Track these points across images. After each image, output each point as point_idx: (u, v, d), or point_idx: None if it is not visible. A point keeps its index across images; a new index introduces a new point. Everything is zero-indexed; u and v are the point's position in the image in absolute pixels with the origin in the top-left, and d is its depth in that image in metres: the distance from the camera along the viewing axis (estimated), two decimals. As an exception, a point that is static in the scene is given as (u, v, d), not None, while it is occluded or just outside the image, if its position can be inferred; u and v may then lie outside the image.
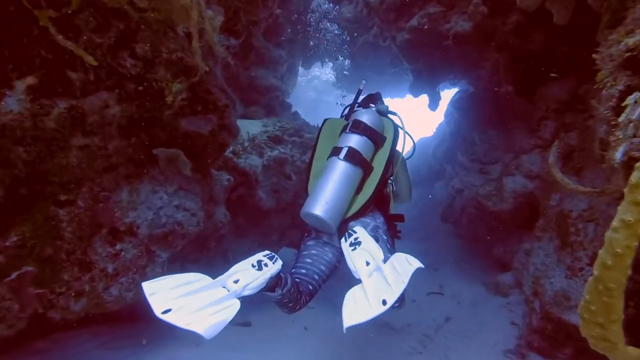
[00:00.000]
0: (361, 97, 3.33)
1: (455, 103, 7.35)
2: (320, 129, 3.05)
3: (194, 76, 3.01)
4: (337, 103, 3.52)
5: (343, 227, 2.58)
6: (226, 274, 2.05)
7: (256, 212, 6.23)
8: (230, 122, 3.98)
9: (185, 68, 2.93)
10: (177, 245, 3.63)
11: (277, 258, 2.21)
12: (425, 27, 5.61)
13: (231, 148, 6.00)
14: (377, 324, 6.63)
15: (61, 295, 2.89)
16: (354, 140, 2.66)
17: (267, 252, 2.24)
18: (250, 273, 2.03)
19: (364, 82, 3.39)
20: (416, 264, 1.87)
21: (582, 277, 4.06)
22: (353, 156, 2.58)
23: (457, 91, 7.88)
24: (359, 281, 1.98)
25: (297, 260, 2.65)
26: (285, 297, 2.23)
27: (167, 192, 3.60)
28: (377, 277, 1.94)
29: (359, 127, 2.71)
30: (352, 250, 2.17)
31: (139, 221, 3.36)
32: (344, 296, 2.03)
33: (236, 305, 1.92)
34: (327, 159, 2.68)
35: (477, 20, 5.16)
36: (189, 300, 1.86)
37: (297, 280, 2.43)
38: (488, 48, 5.55)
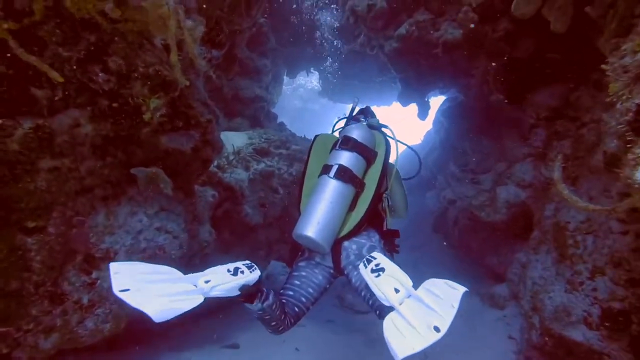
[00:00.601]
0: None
1: (444, 112, 7.25)
2: (312, 145, 2.93)
3: (173, 91, 2.80)
4: (338, 117, 3.36)
5: (337, 247, 2.52)
6: (200, 273, 2.02)
7: (242, 227, 6.00)
8: (213, 138, 3.77)
9: (163, 82, 2.71)
10: (159, 270, 3.39)
11: (255, 268, 2.17)
12: (414, 35, 5.49)
13: (216, 162, 5.78)
14: (367, 339, 6.41)
15: (29, 332, 2.63)
16: (344, 157, 2.59)
17: (247, 261, 2.21)
18: (224, 276, 2.02)
19: (356, 99, 3.25)
20: (461, 288, 1.79)
21: (582, 291, 3.92)
22: (344, 174, 2.51)
23: (445, 99, 7.80)
24: (390, 308, 1.87)
25: (287, 281, 2.59)
26: (267, 312, 2.21)
27: (147, 214, 3.37)
28: (414, 304, 1.82)
29: (348, 144, 2.64)
30: (376, 277, 2.02)
31: (117, 247, 3.12)
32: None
33: (198, 299, 1.87)
34: (318, 177, 2.61)
35: (467, 28, 5.06)
36: (152, 287, 1.82)
37: (283, 301, 2.41)
38: (478, 56, 5.45)
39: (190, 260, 4.72)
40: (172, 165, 3.58)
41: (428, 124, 9.48)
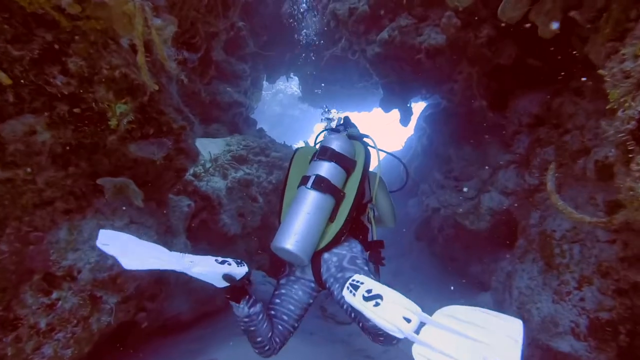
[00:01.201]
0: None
1: (427, 118, 7.16)
2: (292, 157, 2.87)
3: (142, 96, 2.58)
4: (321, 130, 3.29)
5: (317, 259, 2.44)
6: (189, 255, 2.05)
7: (220, 238, 5.77)
8: (188, 145, 3.55)
9: (131, 86, 2.49)
10: (128, 288, 3.15)
11: (244, 264, 2.16)
12: (397, 39, 5.38)
13: (192, 170, 5.54)
14: (350, 349, 6.24)
15: (-25, 364, 2.36)
16: (322, 168, 2.53)
17: (238, 259, 2.19)
18: (209, 261, 2.05)
19: (335, 111, 3.27)
20: (517, 326, 1.43)
21: (569, 301, 3.84)
22: (322, 184, 2.45)
23: (427, 105, 7.74)
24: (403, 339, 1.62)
25: (269, 302, 2.51)
26: (253, 322, 2.21)
27: (115, 228, 3.12)
28: (435, 332, 1.53)
29: (326, 154, 2.58)
30: (375, 306, 1.72)
31: (81, 264, 2.87)
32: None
33: (171, 264, 1.99)
34: (297, 188, 2.55)
35: (450, 33, 4.98)
36: (135, 249, 2.01)
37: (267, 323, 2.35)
38: (461, 61, 5.38)
39: (163, 276, 4.48)
40: (142, 175, 3.35)
41: (409, 130, 9.42)
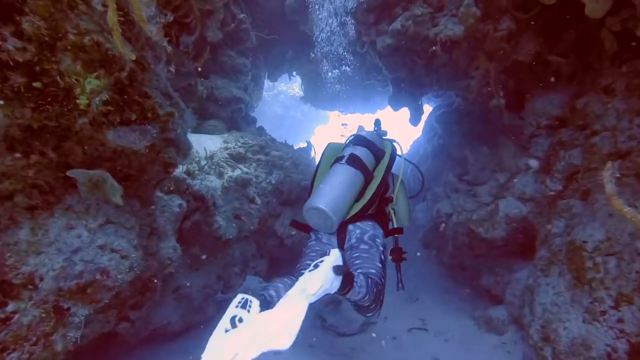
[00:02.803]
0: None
1: (439, 117, 6.73)
2: (324, 150, 3.15)
3: (118, 70, 2.15)
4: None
5: (343, 229, 2.65)
6: (292, 291, 1.89)
7: (214, 241, 5.32)
8: (177, 136, 3.12)
9: (104, 58, 2.06)
10: (102, 299, 2.70)
11: (249, 300, 1.93)
12: (410, 30, 4.97)
13: (184, 167, 5.11)
14: (353, 365, 5.80)
15: None
16: (356, 150, 2.85)
17: (238, 299, 1.95)
18: (284, 285, 2.16)
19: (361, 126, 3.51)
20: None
21: (604, 322, 3.40)
22: (354, 161, 2.74)
23: (438, 105, 7.32)
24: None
25: (302, 260, 2.64)
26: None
27: (88, 228, 2.69)
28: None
29: (360, 141, 2.93)
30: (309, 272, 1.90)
31: (44, 270, 2.43)
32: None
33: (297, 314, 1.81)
34: (330, 167, 2.82)
35: (469, 24, 4.57)
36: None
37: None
38: (477, 56, 4.97)
39: (149, 282, 4.03)
40: (123, 168, 2.91)
41: (414, 133, 8.98)
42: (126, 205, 3.00)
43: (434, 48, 4.91)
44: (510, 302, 5.37)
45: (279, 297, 2.08)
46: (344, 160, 2.73)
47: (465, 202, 5.54)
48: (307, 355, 5.50)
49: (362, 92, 10.18)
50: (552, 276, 4.09)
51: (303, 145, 8.08)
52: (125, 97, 2.52)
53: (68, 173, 2.54)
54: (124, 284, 2.87)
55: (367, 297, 2.17)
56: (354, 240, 2.60)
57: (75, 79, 2.00)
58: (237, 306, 1.90)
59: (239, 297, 1.96)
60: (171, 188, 4.74)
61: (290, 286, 1.98)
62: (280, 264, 7.34)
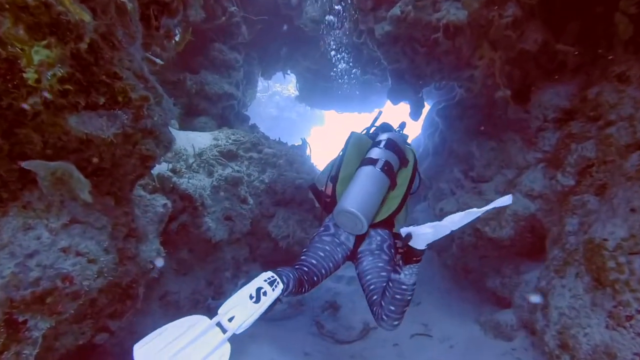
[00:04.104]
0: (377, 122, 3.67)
1: (440, 111, 6.40)
2: (349, 139, 3.20)
3: (76, 41, 1.82)
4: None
5: (365, 232, 2.76)
6: (221, 310, 2.00)
7: (203, 244, 4.98)
8: (154, 125, 2.79)
9: (55, 23, 1.73)
10: (64, 310, 2.35)
11: (278, 282, 2.18)
12: (410, 15, 4.66)
13: (170, 165, 4.78)
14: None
15: None
16: (389, 156, 2.93)
17: (269, 275, 2.22)
18: (247, 307, 2.02)
19: (380, 110, 3.76)
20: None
21: (631, 328, 3.08)
22: (388, 169, 2.85)
23: (438, 100, 7.01)
24: None
25: (309, 250, 2.73)
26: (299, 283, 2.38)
27: (49, 229, 2.35)
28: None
29: (391, 146, 3.00)
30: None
31: (-7, 277, 2.09)
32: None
33: (227, 349, 1.93)
34: (361, 167, 2.89)
35: (473, 9, 4.27)
36: (186, 354, 1.87)
37: (305, 269, 2.55)
38: (481, 45, 4.67)
39: (129, 289, 3.68)
40: (93, 161, 2.57)
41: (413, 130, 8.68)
42: (97, 203, 2.66)
43: (436, 35, 4.60)
44: (519, 306, 5.05)
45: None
46: (378, 166, 2.83)
47: (471, 199, 5.22)
48: (303, 364, 5.16)
49: (360, 89, 9.87)
50: (568, 277, 3.77)
51: (298, 144, 7.75)
52: (90, 76, 2.19)
53: (23, 165, 2.20)
54: (93, 291, 2.53)
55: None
56: (374, 246, 2.72)
57: (20, 48, 1.67)
58: (265, 280, 2.15)
59: (270, 273, 2.22)
60: (156, 186, 4.42)
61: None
62: (274, 267, 6.99)
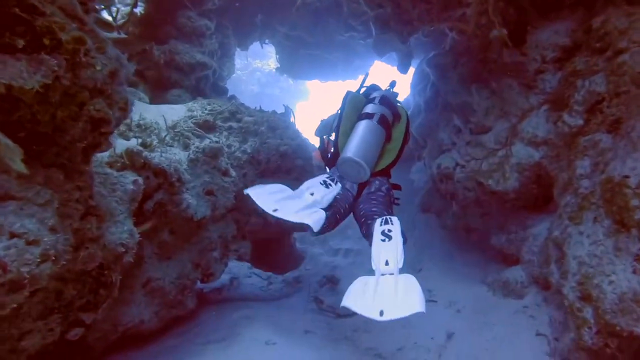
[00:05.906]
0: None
1: (431, 61, 5.93)
2: (345, 97, 3.42)
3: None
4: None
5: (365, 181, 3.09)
6: (301, 188, 2.72)
7: (185, 223, 4.56)
8: (102, 77, 2.33)
9: None
10: (3, 303, 1.94)
11: (337, 180, 2.91)
12: (393, -52, 4.19)
13: (140, 140, 4.32)
14: (355, 348, 5.15)
15: None
16: (383, 110, 3.22)
17: (327, 175, 2.94)
18: (322, 189, 2.73)
19: (366, 72, 4.00)
20: (419, 308, 2.06)
21: (662, 270, 2.75)
22: (384, 121, 3.17)
23: (424, 56, 6.53)
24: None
25: (314, 181, 2.99)
26: (329, 219, 2.72)
27: (-27, 206, 1.92)
28: (389, 285, 2.19)
29: (385, 102, 3.29)
30: (382, 241, 2.43)
31: None
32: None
33: (322, 213, 2.60)
34: (359, 121, 3.18)
35: (461, -64, 3.81)
36: (287, 204, 2.51)
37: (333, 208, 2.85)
38: (472, -21, 4.22)
39: (99, 278, 3.27)
40: (27, 124, 2.13)
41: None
42: (38, 175, 2.23)
43: (421, -29, 4.14)
44: (529, 261, 4.74)
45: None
46: (374, 119, 3.11)
47: (473, 151, 4.83)
48: (305, 343, 4.83)
49: (342, 54, 9.36)
50: (585, 224, 3.42)
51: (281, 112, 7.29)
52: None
53: None
54: (43, 280, 2.12)
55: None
56: (373, 189, 3.07)
57: None
58: (321, 183, 2.79)
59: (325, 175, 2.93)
60: (125, 163, 3.97)
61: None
62: (266, 245, 6.63)
